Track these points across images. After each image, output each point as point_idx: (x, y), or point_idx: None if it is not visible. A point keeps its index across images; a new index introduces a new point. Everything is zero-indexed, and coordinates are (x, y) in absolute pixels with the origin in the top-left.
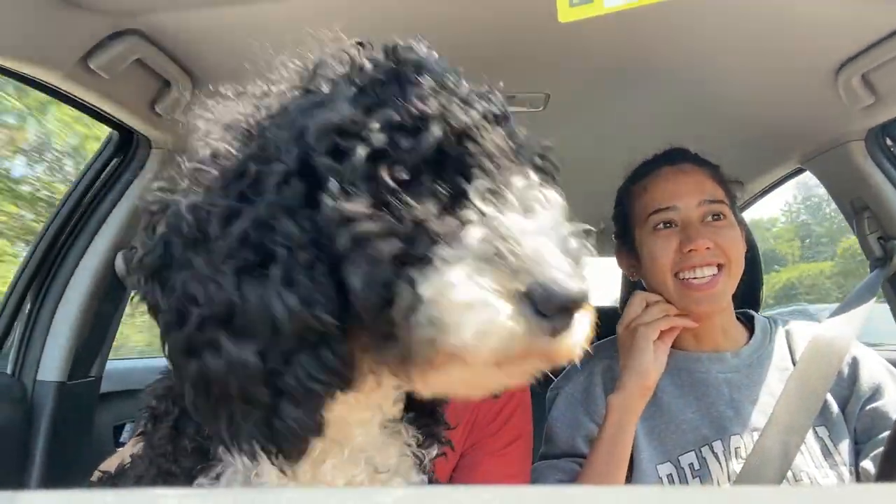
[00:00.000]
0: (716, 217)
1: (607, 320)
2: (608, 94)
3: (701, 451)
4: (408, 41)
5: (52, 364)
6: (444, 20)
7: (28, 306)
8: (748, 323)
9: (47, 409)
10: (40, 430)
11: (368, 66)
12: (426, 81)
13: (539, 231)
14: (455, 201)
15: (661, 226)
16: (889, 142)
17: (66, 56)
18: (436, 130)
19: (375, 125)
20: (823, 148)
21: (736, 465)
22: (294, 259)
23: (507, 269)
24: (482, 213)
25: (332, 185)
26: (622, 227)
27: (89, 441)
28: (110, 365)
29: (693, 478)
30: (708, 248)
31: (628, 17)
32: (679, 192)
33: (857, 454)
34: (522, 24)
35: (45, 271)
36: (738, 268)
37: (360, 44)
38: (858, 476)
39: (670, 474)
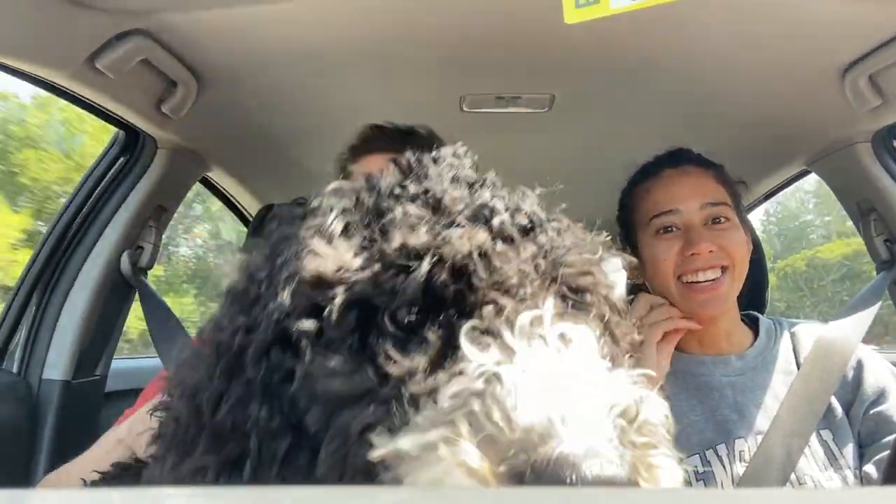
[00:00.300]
0: (718, 220)
1: None
2: (613, 95)
3: (705, 455)
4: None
5: (57, 363)
6: (450, 23)
7: (34, 305)
8: (753, 325)
9: (53, 408)
10: (46, 429)
11: (364, 197)
12: (415, 208)
13: (545, 386)
14: (449, 349)
15: (664, 229)
16: None
17: (72, 56)
18: (423, 267)
19: (355, 268)
20: (830, 149)
21: (740, 469)
22: (264, 450)
23: (488, 442)
24: (475, 363)
25: (304, 350)
26: (625, 230)
27: (94, 440)
28: (115, 364)
29: (697, 481)
30: (711, 251)
31: (634, 19)
32: (681, 195)
33: (860, 458)
34: (528, 25)
35: (50, 271)
36: (741, 270)
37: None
38: (861, 480)
39: None
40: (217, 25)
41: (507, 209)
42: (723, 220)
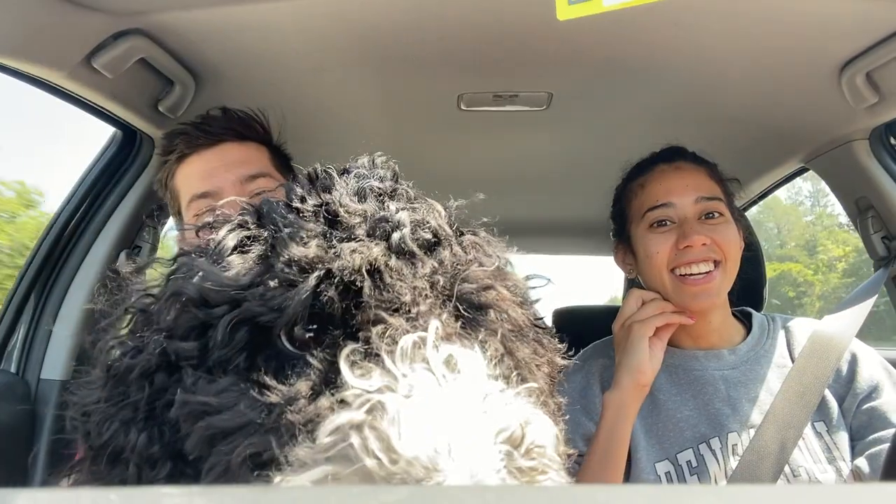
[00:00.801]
0: (712, 214)
1: (604, 319)
2: (611, 92)
3: (699, 449)
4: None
5: (55, 363)
6: (447, 21)
7: (32, 305)
8: (746, 320)
9: (51, 408)
10: (44, 428)
11: (264, 210)
12: (311, 222)
13: (428, 413)
14: (333, 372)
15: (657, 223)
16: (893, 140)
17: (69, 55)
18: (309, 282)
19: (242, 285)
20: (827, 147)
21: (734, 463)
22: (143, 477)
23: (369, 476)
24: (357, 389)
25: (185, 373)
26: (619, 225)
27: None
28: None
29: (691, 475)
30: (704, 244)
31: (631, 17)
32: (675, 190)
33: (852, 451)
34: (526, 23)
35: (48, 270)
36: (733, 265)
37: (309, 174)
38: (853, 473)
39: (668, 472)
40: (214, 25)
41: (411, 223)
42: (716, 214)
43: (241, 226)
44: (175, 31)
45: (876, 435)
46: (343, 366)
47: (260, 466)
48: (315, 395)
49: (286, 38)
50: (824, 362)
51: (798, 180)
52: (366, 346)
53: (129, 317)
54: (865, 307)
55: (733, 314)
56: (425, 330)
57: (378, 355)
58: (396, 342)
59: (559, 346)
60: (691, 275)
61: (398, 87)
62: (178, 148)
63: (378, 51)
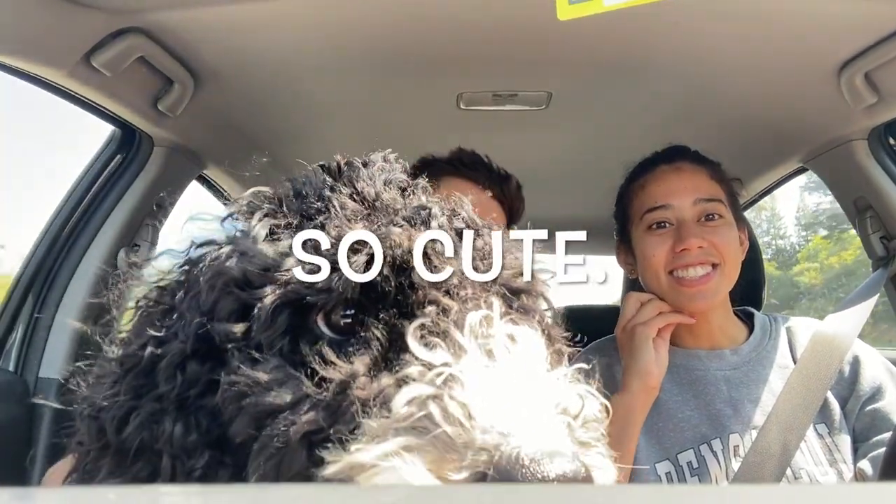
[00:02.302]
0: (711, 216)
1: (607, 319)
2: (610, 92)
3: (700, 450)
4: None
5: (54, 361)
6: (446, 21)
7: (30, 303)
8: (748, 320)
9: (49, 406)
10: (43, 427)
11: (290, 194)
12: (352, 203)
13: (498, 386)
14: (393, 350)
15: (656, 225)
16: (892, 141)
17: (68, 54)
18: (360, 261)
19: (285, 268)
20: (826, 147)
21: (735, 464)
22: (178, 468)
23: (449, 444)
24: (426, 364)
25: (231, 355)
26: (621, 226)
27: None
28: None
29: (691, 476)
30: (701, 247)
31: (631, 17)
32: (674, 191)
33: (854, 454)
34: (525, 23)
35: (47, 269)
36: (732, 267)
37: (323, 166)
38: (856, 476)
39: (669, 472)
40: (213, 24)
41: (443, 212)
42: (716, 217)
43: (268, 214)
44: (174, 30)
45: (879, 437)
46: (411, 340)
47: (318, 443)
48: (375, 372)
49: (285, 37)
50: (827, 363)
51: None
52: (428, 324)
53: (140, 309)
54: (867, 307)
55: (735, 314)
56: (476, 311)
57: (441, 332)
58: (458, 319)
59: (566, 334)
60: (688, 277)
61: (397, 87)
62: None
63: (377, 50)
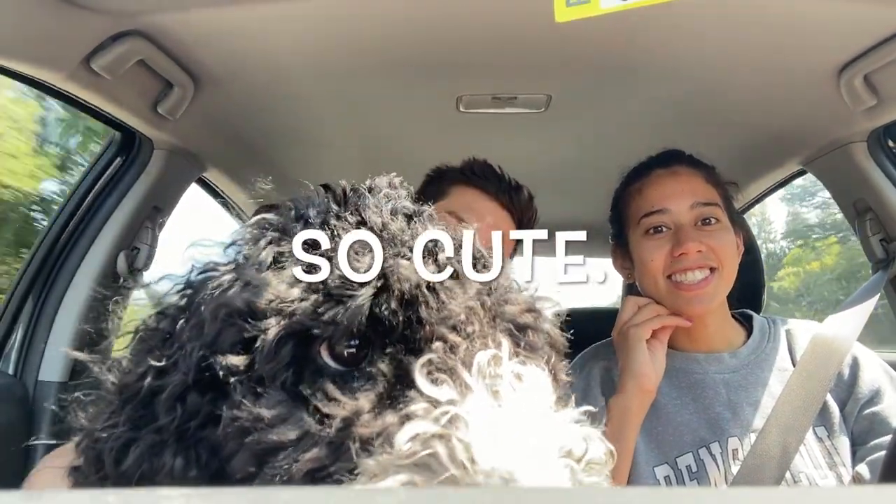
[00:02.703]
0: (708, 220)
1: (606, 322)
2: (609, 95)
3: (698, 453)
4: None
5: (53, 364)
6: (446, 23)
7: (30, 307)
8: (746, 323)
9: (49, 410)
10: (42, 431)
11: (294, 221)
12: (361, 232)
13: (503, 428)
14: (398, 386)
15: (653, 229)
16: (891, 143)
17: (68, 57)
18: (366, 293)
19: (291, 299)
20: (825, 149)
21: (734, 468)
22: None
23: (453, 484)
24: (431, 401)
25: (233, 388)
26: (617, 230)
27: None
28: None
29: (690, 480)
30: (699, 251)
31: (630, 19)
32: (671, 195)
33: (853, 457)
34: (525, 25)
35: (46, 272)
36: (730, 271)
37: (326, 187)
38: (854, 479)
39: (667, 476)
40: (213, 27)
41: (452, 244)
42: (713, 220)
43: (272, 242)
44: (174, 33)
45: (877, 441)
46: (419, 377)
47: (320, 480)
48: (379, 409)
49: (285, 41)
50: (826, 366)
51: None
52: (436, 361)
53: (137, 336)
54: (866, 310)
55: (733, 317)
56: (483, 348)
57: (448, 370)
58: (465, 358)
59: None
60: (686, 281)
61: (397, 90)
62: None
63: (377, 53)
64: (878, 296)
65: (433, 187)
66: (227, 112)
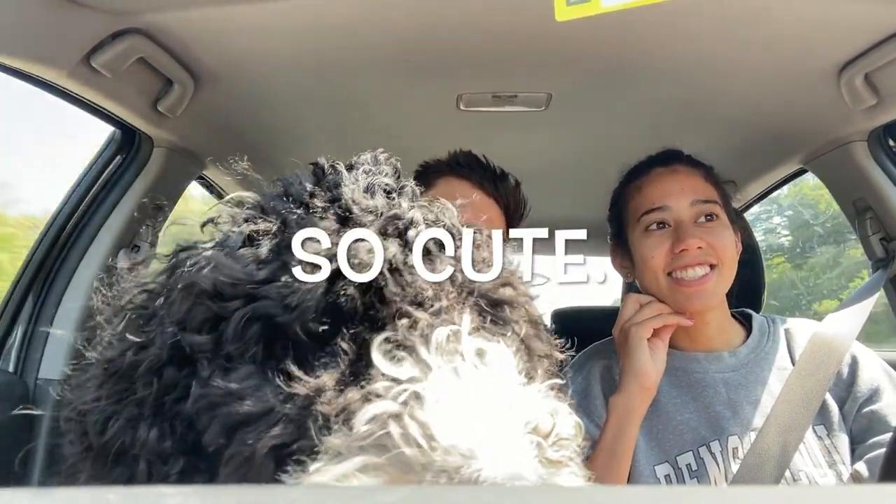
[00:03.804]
0: (708, 217)
1: (606, 321)
2: (610, 93)
3: (699, 452)
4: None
5: (53, 362)
6: (446, 21)
7: (30, 304)
8: (746, 322)
9: (49, 407)
10: (42, 428)
11: (271, 199)
12: (332, 206)
13: (464, 404)
14: (361, 364)
15: (654, 226)
16: (892, 142)
17: (68, 55)
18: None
19: (257, 280)
20: (825, 149)
21: (734, 466)
22: (154, 473)
23: (407, 464)
24: (391, 379)
25: (201, 366)
26: (616, 229)
27: None
28: None
29: (691, 478)
30: (699, 247)
31: (630, 18)
32: (671, 193)
33: (852, 455)
34: (525, 24)
35: (47, 269)
36: (729, 269)
37: (314, 164)
38: (853, 478)
39: (668, 475)
40: (213, 25)
41: (425, 220)
42: (712, 217)
43: (248, 220)
44: (174, 31)
45: (876, 439)
46: (376, 355)
47: (285, 457)
48: (342, 386)
49: (285, 39)
50: (825, 365)
51: None
52: (396, 338)
53: (124, 314)
54: (865, 309)
55: (733, 316)
56: (450, 324)
57: (408, 347)
58: (425, 334)
59: (557, 341)
60: (687, 277)
61: (397, 88)
62: None
63: (377, 51)
64: (877, 295)
65: (421, 181)
66: (227, 110)
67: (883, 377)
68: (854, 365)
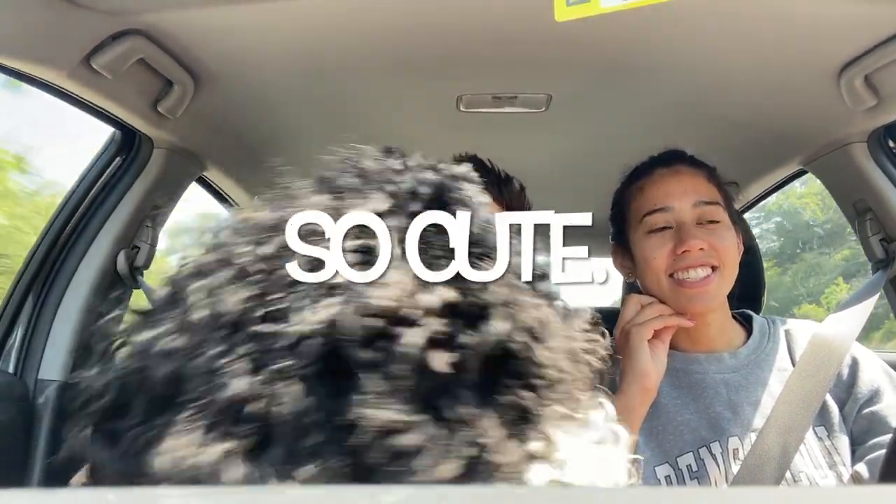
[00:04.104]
0: (711, 219)
1: (606, 322)
2: (610, 95)
3: (699, 453)
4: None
5: (53, 363)
6: (446, 22)
7: (30, 305)
8: (746, 323)
9: (49, 408)
10: (42, 429)
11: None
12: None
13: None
14: (518, 421)
15: (656, 227)
16: (892, 143)
17: (68, 56)
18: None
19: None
20: (825, 150)
21: (734, 467)
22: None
23: None
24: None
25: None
26: (618, 230)
27: None
28: None
29: (691, 479)
30: (702, 248)
31: (630, 19)
32: (674, 193)
33: (852, 456)
34: (525, 25)
35: (47, 270)
36: (731, 270)
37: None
38: (853, 479)
39: (668, 476)
40: (214, 25)
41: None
42: (715, 219)
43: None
44: (174, 32)
45: (876, 440)
46: (544, 416)
47: None
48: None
49: (286, 39)
50: (826, 365)
51: None
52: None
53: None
54: (866, 309)
55: (733, 317)
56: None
57: (570, 418)
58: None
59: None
60: (689, 279)
61: (397, 89)
62: None
63: (377, 52)
64: (877, 296)
65: None
66: (228, 111)
67: (883, 378)
68: (854, 366)
